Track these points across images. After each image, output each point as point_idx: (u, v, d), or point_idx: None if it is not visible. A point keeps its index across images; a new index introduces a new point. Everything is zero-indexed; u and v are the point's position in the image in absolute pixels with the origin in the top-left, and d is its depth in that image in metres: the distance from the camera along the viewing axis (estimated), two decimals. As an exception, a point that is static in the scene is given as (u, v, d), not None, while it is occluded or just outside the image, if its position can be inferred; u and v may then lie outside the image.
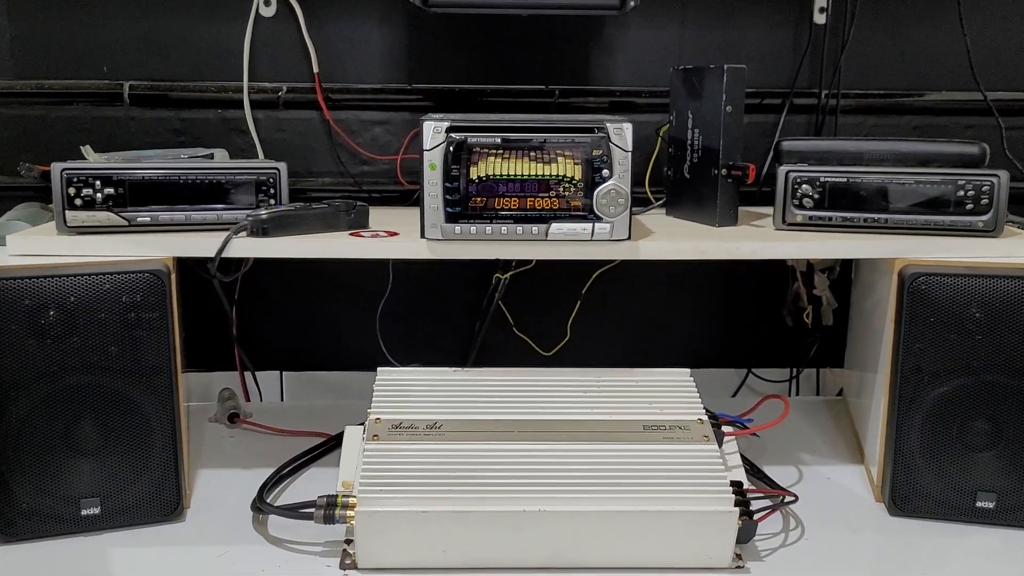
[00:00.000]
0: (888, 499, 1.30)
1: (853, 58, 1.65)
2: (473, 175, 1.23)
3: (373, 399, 1.29)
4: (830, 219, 1.34)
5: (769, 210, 1.41)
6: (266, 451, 1.47)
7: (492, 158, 1.23)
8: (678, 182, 1.49)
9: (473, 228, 1.24)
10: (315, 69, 1.61)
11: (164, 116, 1.62)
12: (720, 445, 1.25)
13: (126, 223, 1.27)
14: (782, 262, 1.66)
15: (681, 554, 1.14)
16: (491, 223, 1.24)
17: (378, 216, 1.43)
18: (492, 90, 1.64)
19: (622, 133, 1.22)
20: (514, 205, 1.24)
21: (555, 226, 1.24)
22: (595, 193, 1.23)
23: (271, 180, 1.33)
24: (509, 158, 1.23)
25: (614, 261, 1.61)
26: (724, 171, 1.37)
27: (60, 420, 1.20)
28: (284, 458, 1.41)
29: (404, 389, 1.32)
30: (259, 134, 1.63)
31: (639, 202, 1.52)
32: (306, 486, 1.36)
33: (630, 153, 1.23)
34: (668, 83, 1.49)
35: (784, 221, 1.36)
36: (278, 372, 1.74)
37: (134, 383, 1.21)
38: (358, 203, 1.36)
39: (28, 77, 1.60)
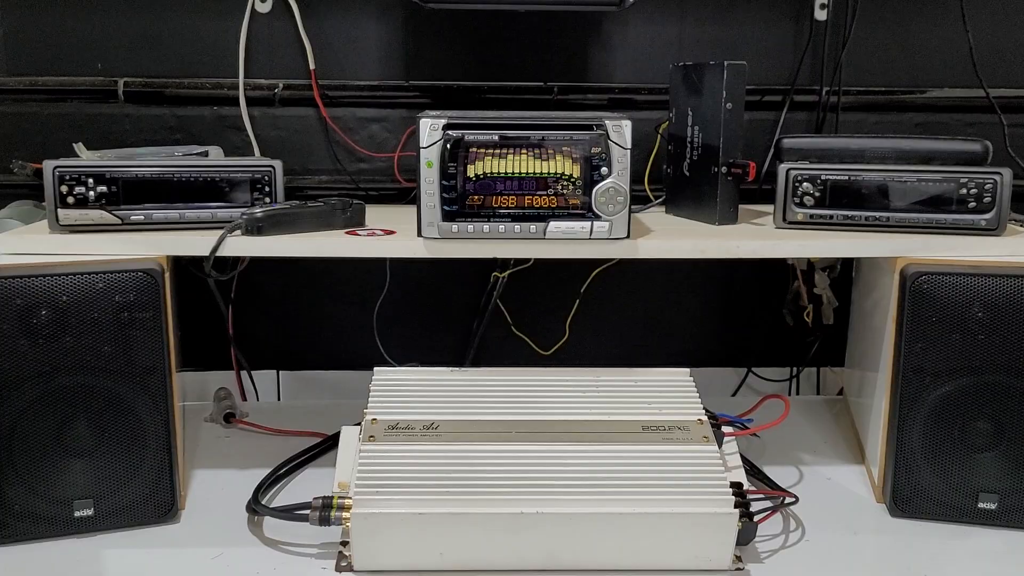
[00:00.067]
0: (889, 500, 1.29)
1: (854, 54, 1.64)
2: (470, 173, 1.21)
3: (369, 399, 1.28)
4: (831, 217, 1.33)
5: (769, 208, 1.40)
6: (262, 451, 1.46)
7: (490, 156, 1.21)
8: (678, 180, 1.47)
9: (470, 226, 1.23)
10: (311, 65, 1.60)
11: (159, 113, 1.61)
12: (720, 446, 1.24)
13: (119, 221, 1.26)
14: (782, 260, 1.65)
15: (680, 556, 1.13)
16: (489, 221, 1.23)
17: (375, 214, 1.42)
18: (490, 87, 1.63)
19: (621, 130, 1.21)
20: (512, 203, 1.23)
21: (553, 224, 1.23)
22: (594, 191, 1.22)
23: (266, 178, 1.32)
24: (507, 156, 1.22)
25: (613, 260, 1.60)
26: (724, 169, 1.36)
27: (53, 421, 1.18)
28: (280, 458, 1.40)
29: (401, 389, 1.31)
30: (255, 131, 1.62)
31: (638, 200, 1.52)
32: (302, 487, 1.36)
33: (629, 150, 1.22)
34: (668, 80, 1.48)
35: (785, 219, 1.35)
36: (274, 371, 1.74)
37: (128, 383, 1.20)
38: (355, 201, 1.35)
39: (21, 74, 1.59)
